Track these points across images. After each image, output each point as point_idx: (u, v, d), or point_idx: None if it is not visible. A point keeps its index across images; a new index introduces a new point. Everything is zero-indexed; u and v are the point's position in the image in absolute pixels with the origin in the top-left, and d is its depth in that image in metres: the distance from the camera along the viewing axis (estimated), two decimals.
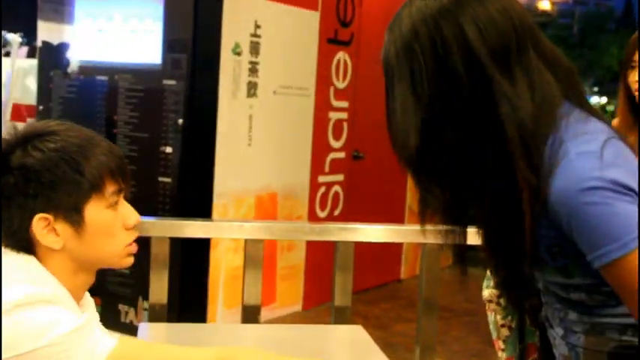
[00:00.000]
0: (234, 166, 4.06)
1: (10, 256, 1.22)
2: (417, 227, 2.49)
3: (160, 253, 2.24)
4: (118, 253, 1.30)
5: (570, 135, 1.15)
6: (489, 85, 1.16)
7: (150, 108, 3.85)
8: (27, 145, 1.22)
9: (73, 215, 1.22)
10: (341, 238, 2.34)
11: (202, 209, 3.85)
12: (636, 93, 2.16)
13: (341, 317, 2.38)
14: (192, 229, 2.28)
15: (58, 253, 1.24)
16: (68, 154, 1.22)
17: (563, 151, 1.13)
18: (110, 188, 1.26)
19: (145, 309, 3.80)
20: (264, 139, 4.25)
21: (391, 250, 5.47)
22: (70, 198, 1.22)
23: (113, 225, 1.28)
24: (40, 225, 1.21)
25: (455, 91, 1.16)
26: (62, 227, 1.23)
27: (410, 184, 5.64)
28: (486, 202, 1.21)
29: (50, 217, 1.21)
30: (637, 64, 2.15)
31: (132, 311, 3.89)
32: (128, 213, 1.31)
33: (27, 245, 1.23)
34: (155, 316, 2.25)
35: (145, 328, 2.02)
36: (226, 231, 2.38)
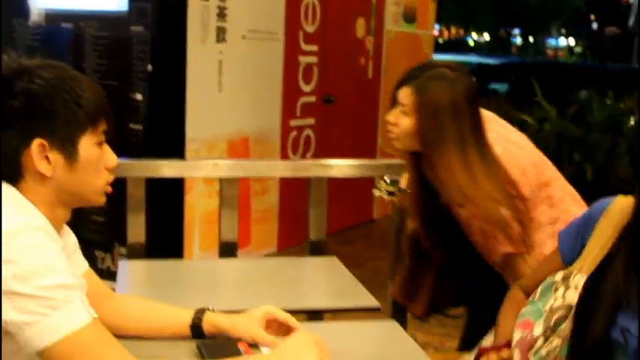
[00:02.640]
0: (205, 111, 4.06)
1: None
2: (390, 161, 2.55)
3: (137, 193, 2.28)
4: (98, 190, 1.34)
5: None
6: None
7: (118, 55, 3.82)
8: (31, 73, 1.25)
9: (67, 146, 1.27)
10: (314, 174, 2.39)
11: (174, 155, 3.86)
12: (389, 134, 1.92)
13: (316, 251, 2.45)
14: (167, 169, 2.32)
15: (44, 182, 1.27)
16: (69, 86, 1.26)
17: None
18: (102, 126, 1.31)
19: (122, 254, 3.84)
20: (235, 84, 4.25)
21: (363, 190, 5.54)
22: (67, 128, 1.26)
23: (100, 162, 1.32)
24: (37, 150, 1.24)
25: None
26: (55, 157, 1.26)
27: (381, 124, 5.70)
28: None
29: (47, 144, 1.25)
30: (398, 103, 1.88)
31: (108, 257, 3.93)
32: (109, 154, 1.35)
33: (16, 171, 1.26)
34: (134, 255, 2.30)
35: (124, 265, 2.07)
36: (202, 170, 2.41)
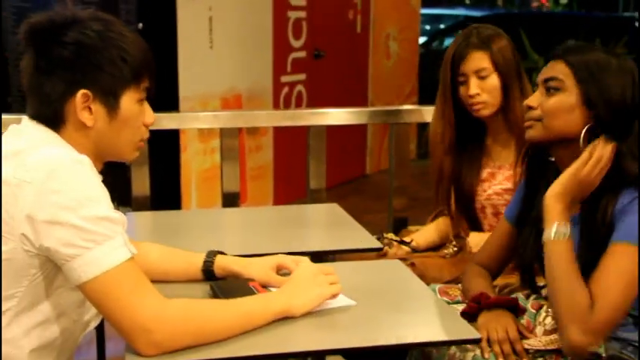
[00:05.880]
0: (197, 69, 4.06)
1: (41, 128, 1.31)
2: (384, 108, 2.58)
3: None
4: (133, 145, 1.38)
5: None
6: None
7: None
8: (83, 24, 1.28)
9: (110, 99, 1.31)
10: (313, 122, 2.42)
11: None
12: (472, 107, 1.98)
13: (316, 199, 2.50)
14: (167, 121, 2.34)
15: (83, 132, 1.31)
16: (118, 41, 1.30)
17: None
18: (144, 84, 1.35)
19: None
20: (226, 40, 4.24)
21: (356, 145, 5.59)
22: (112, 81, 1.30)
23: (138, 119, 1.36)
24: (82, 100, 1.28)
25: None
26: (97, 108, 1.30)
27: (371, 78, 5.71)
28: None
29: (91, 94, 1.29)
30: (467, 78, 1.97)
31: None
32: (148, 111, 1.39)
33: (58, 117, 1.30)
34: (139, 207, 2.34)
35: (131, 217, 2.10)
36: (201, 121, 2.44)
